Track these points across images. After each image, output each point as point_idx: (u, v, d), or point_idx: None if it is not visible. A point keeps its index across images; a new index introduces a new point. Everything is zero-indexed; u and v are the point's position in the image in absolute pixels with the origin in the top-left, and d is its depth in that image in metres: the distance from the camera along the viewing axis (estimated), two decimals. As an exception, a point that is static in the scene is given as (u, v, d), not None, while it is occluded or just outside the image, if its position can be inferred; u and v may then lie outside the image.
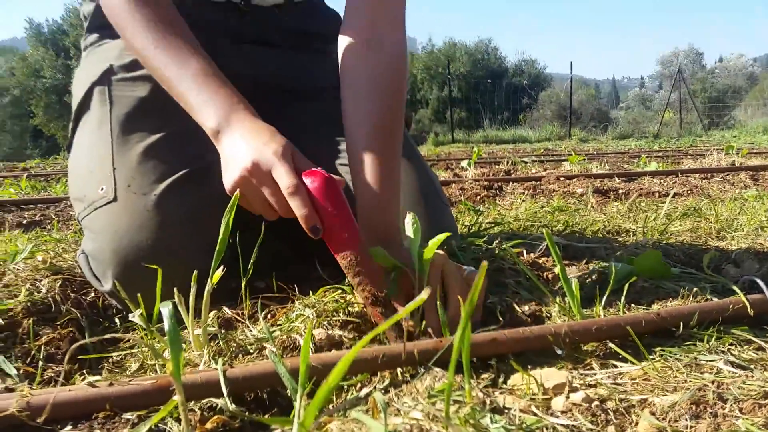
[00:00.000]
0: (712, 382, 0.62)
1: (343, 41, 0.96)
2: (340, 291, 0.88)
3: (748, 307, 0.79)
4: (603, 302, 0.89)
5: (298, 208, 0.76)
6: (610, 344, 0.73)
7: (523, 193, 2.74)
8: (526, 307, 0.90)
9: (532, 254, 1.12)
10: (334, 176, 0.79)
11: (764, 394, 0.59)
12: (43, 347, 0.80)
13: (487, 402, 0.59)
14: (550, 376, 0.64)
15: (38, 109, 20.39)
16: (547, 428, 0.56)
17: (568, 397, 0.60)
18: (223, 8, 1.12)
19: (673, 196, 2.68)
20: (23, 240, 1.48)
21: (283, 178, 0.76)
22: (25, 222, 2.13)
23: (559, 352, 0.71)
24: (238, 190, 0.79)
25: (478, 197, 2.72)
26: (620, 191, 2.72)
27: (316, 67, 1.22)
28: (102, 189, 0.93)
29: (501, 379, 0.66)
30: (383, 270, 0.79)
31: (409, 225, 0.83)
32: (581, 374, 0.67)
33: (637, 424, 0.56)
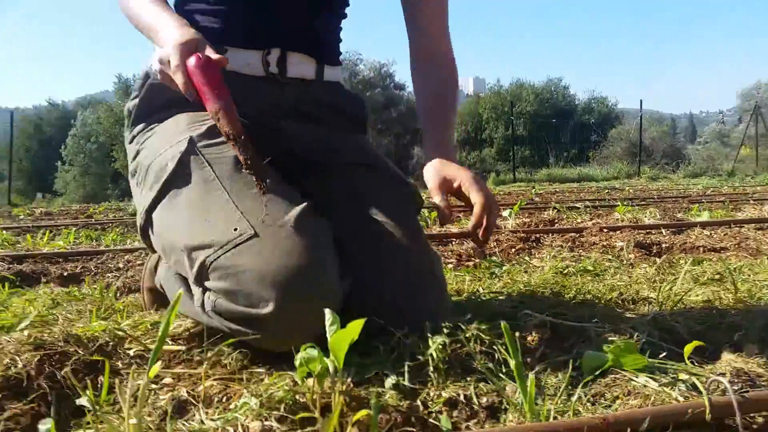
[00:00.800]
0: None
1: (414, 59, 1.41)
2: (290, 378, 0.88)
3: (707, 411, 0.74)
4: (568, 397, 0.85)
5: (179, 82, 1.01)
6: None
7: (561, 246, 2.66)
8: (485, 399, 0.87)
9: (517, 332, 1.08)
10: (213, 57, 1.01)
11: None
12: (4, 422, 0.83)
13: None
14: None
15: (119, 154, 21.91)
16: None
17: None
18: (262, 81, 1.27)
19: (719, 251, 2.55)
20: (45, 299, 1.56)
21: (173, 61, 1.01)
22: (66, 274, 2.24)
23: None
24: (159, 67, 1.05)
25: (513, 250, 2.67)
26: (664, 245, 2.60)
27: (346, 143, 1.34)
28: (236, 230, 1.01)
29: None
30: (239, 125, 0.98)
31: None
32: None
33: None
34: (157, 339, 0.80)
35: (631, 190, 8.41)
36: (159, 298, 1.40)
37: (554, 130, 21.72)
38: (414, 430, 0.78)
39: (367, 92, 17.55)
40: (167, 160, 1.14)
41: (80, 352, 1.02)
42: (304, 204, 1.06)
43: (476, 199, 1.16)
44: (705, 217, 3.33)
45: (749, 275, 1.81)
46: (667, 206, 4.68)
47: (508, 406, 0.85)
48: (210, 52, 1.03)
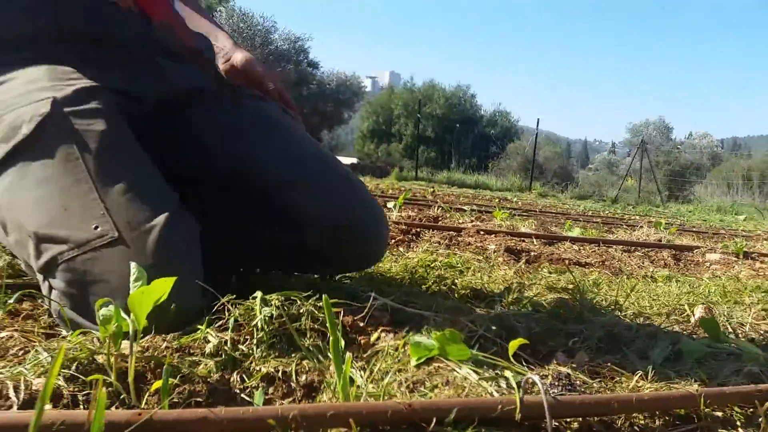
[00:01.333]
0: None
1: None
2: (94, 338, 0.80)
3: (517, 409, 0.74)
4: (387, 381, 0.83)
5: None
6: (340, 434, 0.67)
7: (439, 243, 2.69)
8: (305, 377, 0.84)
9: (351, 316, 1.05)
10: None
11: None
12: None
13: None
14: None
15: None
16: None
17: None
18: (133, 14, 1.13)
19: (584, 265, 2.67)
20: None
21: None
22: None
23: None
24: None
25: (393, 241, 2.66)
26: (533, 253, 2.69)
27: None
28: (97, 228, 0.90)
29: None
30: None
31: None
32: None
33: None
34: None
35: (519, 202, 8.75)
36: None
37: (458, 136, 22.25)
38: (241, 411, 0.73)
39: (279, 67, 17.15)
40: (23, 121, 0.98)
41: None
42: (170, 207, 0.96)
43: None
44: (576, 233, 3.49)
45: (604, 290, 1.89)
46: (546, 219, 4.89)
47: (326, 386, 0.81)
48: None
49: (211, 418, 0.62)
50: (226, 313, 0.91)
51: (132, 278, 0.77)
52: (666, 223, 4.94)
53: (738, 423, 0.89)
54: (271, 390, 0.81)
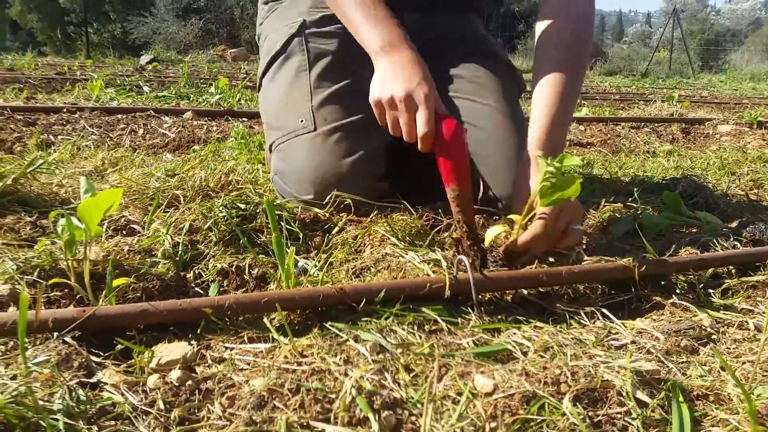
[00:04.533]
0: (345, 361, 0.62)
1: (541, 14, 1.13)
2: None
3: (447, 286, 0.79)
4: (336, 269, 0.89)
5: (423, 146, 0.94)
6: (267, 321, 0.73)
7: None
8: (257, 270, 0.90)
9: (314, 211, 1.10)
10: (462, 131, 0.95)
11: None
12: None
13: (81, 376, 0.59)
14: (172, 351, 0.64)
15: (15, -1, 19.55)
16: (119, 405, 0.56)
17: (165, 376, 0.60)
18: None
19: (585, 146, 2.66)
20: None
21: (423, 122, 0.93)
22: None
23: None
24: (376, 104, 1.00)
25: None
26: (534, 137, 2.68)
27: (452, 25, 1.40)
28: (302, 121, 1.15)
29: (140, 352, 0.66)
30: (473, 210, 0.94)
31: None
32: (208, 348, 0.67)
33: (220, 405, 0.57)
34: None
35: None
36: None
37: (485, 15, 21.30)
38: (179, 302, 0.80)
39: None
40: (279, 38, 1.26)
41: None
42: (363, 114, 1.12)
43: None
44: (584, 113, 3.43)
45: (596, 170, 1.90)
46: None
47: (274, 278, 0.88)
48: (446, 112, 0.98)
49: (150, 310, 0.69)
50: (185, 215, 0.97)
51: (81, 191, 0.82)
52: (679, 96, 4.79)
53: (678, 290, 0.93)
54: (225, 283, 0.88)
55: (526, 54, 17.72)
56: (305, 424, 0.53)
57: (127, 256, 0.89)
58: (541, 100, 1.04)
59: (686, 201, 1.47)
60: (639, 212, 1.26)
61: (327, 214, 1.10)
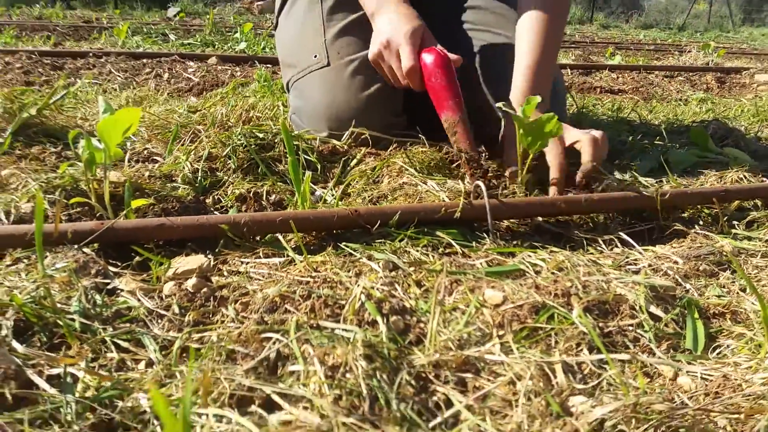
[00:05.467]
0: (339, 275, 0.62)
1: None
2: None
3: (459, 209, 0.78)
4: (354, 196, 0.89)
5: (413, 84, 0.99)
6: (283, 240, 0.73)
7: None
8: (275, 196, 0.90)
9: (333, 143, 1.10)
10: (449, 55, 0.97)
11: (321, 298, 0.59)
12: None
13: (98, 282, 0.61)
14: (189, 262, 0.65)
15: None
16: (134, 309, 0.58)
17: (182, 284, 0.62)
18: None
19: (617, 93, 2.59)
20: None
21: (404, 58, 0.98)
22: None
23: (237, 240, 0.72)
24: (373, 62, 1.05)
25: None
26: (566, 84, 2.63)
27: None
28: (315, 56, 1.15)
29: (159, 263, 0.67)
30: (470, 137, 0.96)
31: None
32: (224, 263, 0.68)
33: (229, 313, 0.58)
34: None
35: (576, 35, 8.29)
36: None
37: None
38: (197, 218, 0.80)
39: None
40: None
41: None
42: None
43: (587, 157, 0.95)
44: (617, 60, 3.33)
45: (625, 113, 1.86)
46: (594, 50, 4.65)
47: (291, 203, 0.88)
48: (440, 47, 1.00)
49: (168, 225, 0.70)
50: (204, 144, 0.98)
51: (101, 110, 0.83)
52: (715, 47, 4.62)
53: (701, 222, 0.91)
54: (243, 208, 0.88)
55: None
56: (315, 325, 0.53)
57: (148, 180, 0.90)
58: (523, 46, 1.05)
59: (717, 143, 1.44)
60: (666, 150, 1.23)
61: (345, 146, 1.10)
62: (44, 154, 1.05)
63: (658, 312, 0.58)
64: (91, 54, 2.50)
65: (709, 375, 0.50)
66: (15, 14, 5.33)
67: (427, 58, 0.97)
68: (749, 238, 0.86)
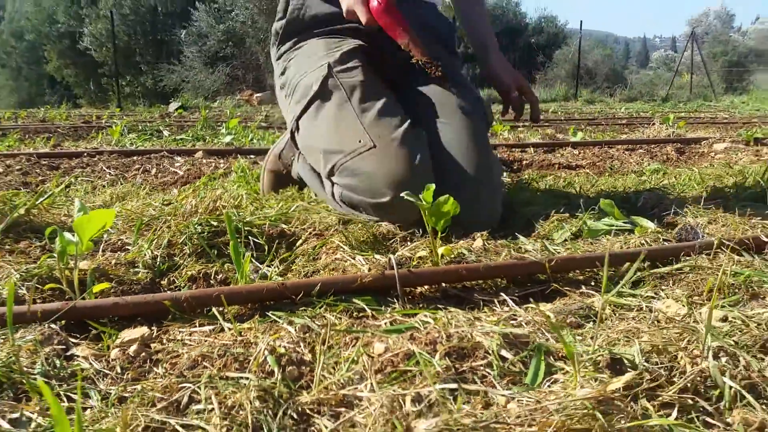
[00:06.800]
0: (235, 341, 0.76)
1: None
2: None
3: (368, 279, 0.93)
4: (293, 273, 1.04)
5: (363, 20, 1.35)
6: (217, 312, 0.88)
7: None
8: (221, 275, 1.05)
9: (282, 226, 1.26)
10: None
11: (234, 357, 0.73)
12: None
13: (58, 349, 0.75)
14: (134, 333, 0.80)
15: (52, 55, 20.52)
16: (85, 370, 0.72)
17: (126, 350, 0.76)
18: None
19: (574, 168, 2.78)
20: None
21: (361, 15, 1.35)
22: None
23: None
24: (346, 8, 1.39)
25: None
26: (525, 162, 2.82)
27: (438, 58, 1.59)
28: (360, 141, 1.34)
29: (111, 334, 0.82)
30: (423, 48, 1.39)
31: None
32: (165, 332, 0.83)
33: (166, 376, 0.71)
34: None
35: (559, 112, 8.65)
36: (277, 181, 1.80)
37: (503, 50, 21.65)
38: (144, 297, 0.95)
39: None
40: (312, 82, 1.46)
41: None
42: (408, 122, 1.36)
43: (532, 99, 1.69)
44: (579, 137, 3.55)
45: (575, 189, 2.02)
46: (567, 127, 4.91)
47: (234, 281, 1.03)
48: None
49: (120, 303, 0.84)
50: (164, 233, 1.14)
51: (76, 210, 0.99)
52: (675, 118, 4.87)
53: (592, 283, 1.05)
54: (193, 287, 1.03)
55: (546, 84, 17.92)
56: (223, 376, 0.67)
57: (114, 267, 1.05)
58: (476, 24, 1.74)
59: (647, 211, 1.60)
60: (583, 222, 1.38)
61: (294, 230, 1.25)
62: (30, 248, 1.21)
63: (508, 355, 0.72)
64: (85, 153, 2.72)
65: (529, 401, 0.63)
66: (21, 117, 5.65)
67: (372, 5, 1.34)
68: (631, 295, 1.00)
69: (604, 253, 1.08)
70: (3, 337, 0.79)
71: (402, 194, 1.18)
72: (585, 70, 18.24)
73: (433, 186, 1.07)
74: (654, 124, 4.34)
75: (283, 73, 1.62)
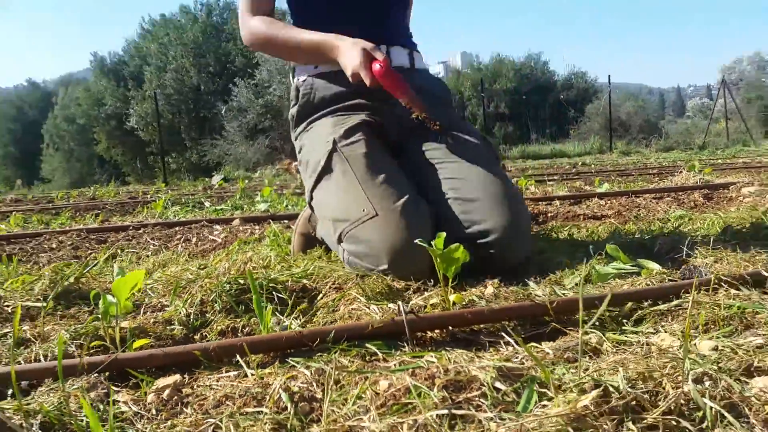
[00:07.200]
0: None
1: None
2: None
3: (378, 325, 1.01)
4: (314, 322, 1.12)
5: (367, 82, 1.51)
6: (242, 361, 0.97)
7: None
8: (248, 329, 1.15)
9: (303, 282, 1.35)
10: (386, 59, 1.52)
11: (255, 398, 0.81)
12: None
13: (102, 395, 0.85)
14: (168, 380, 0.89)
15: (101, 136, 21.69)
16: (125, 413, 0.81)
17: (160, 394, 0.85)
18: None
19: (599, 218, 2.82)
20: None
21: (365, 79, 1.51)
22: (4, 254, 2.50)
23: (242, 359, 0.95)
24: (352, 72, 1.54)
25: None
26: (549, 214, 2.88)
27: (439, 116, 1.72)
28: (363, 210, 1.45)
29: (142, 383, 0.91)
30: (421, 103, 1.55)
31: None
32: (195, 379, 0.92)
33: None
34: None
35: (593, 165, 8.68)
36: (307, 243, 1.90)
37: (534, 107, 21.95)
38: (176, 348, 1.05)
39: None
40: (320, 157, 1.61)
41: None
42: (408, 195, 1.46)
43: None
44: (605, 188, 3.60)
45: (597, 238, 2.07)
46: (601, 178, 4.95)
47: (258, 331, 1.12)
48: (383, 57, 1.52)
49: (156, 354, 0.94)
50: (197, 293, 1.24)
51: (115, 274, 1.11)
52: (704, 164, 4.86)
53: (597, 323, 1.11)
54: (222, 339, 1.12)
55: (581, 138, 17.99)
56: (243, 412, 0.76)
57: (152, 325, 1.16)
58: None
59: (663, 256, 1.64)
60: (591, 266, 1.44)
61: (312, 284, 1.35)
62: (79, 312, 1.33)
63: (502, 386, 0.78)
64: (131, 227, 2.90)
65: (516, 425, 0.69)
66: (73, 196, 5.98)
67: (375, 69, 1.49)
68: (633, 332, 1.05)
69: (600, 294, 1.14)
70: (55, 386, 0.89)
71: (400, 259, 1.31)
72: (618, 122, 18.30)
73: (444, 234, 1.16)
74: (682, 171, 4.36)
75: (300, 152, 1.79)
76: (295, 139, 1.84)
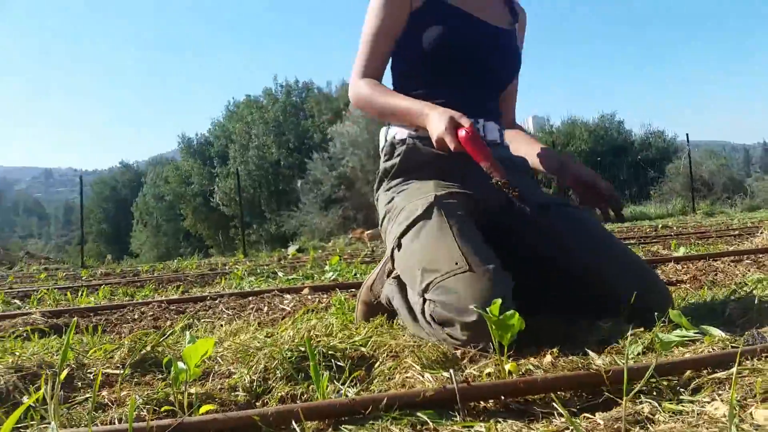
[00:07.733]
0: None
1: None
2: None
3: (430, 394, 1.03)
4: (370, 391, 1.16)
5: (452, 147, 1.56)
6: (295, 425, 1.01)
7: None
8: (306, 396, 1.19)
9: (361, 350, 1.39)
10: (472, 125, 1.57)
11: None
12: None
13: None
14: (227, 443, 0.94)
15: (188, 212, 22.89)
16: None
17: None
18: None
19: (675, 284, 2.73)
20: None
21: (450, 144, 1.56)
22: (91, 326, 2.67)
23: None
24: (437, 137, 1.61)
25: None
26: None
27: (530, 188, 1.86)
28: (456, 263, 1.49)
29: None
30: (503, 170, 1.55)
31: None
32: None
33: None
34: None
35: (674, 227, 8.39)
36: (369, 311, 1.92)
37: (611, 168, 21.54)
38: (237, 413, 1.10)
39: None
40: (418, 206, 1.67)
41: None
42: (499, 263, 1.50)
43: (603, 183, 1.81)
44: (682, 252, 3.48)
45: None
46: (680, 241, 4.79)
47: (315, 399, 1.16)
48: (469, 124, 1.58)
49: (219, 418, 1.00)
50: (260, 360, 1.30)
51: (186, 342, 1.19)
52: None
53: (654, 393, 1.09)
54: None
55: (662, 200, 17.43)
56: (293, 475, 0.79)
57: (218, 391, 1.22)
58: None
59: (733, 322, 1.59)
60: (654, 334, 1.41)
61: (376, 352, 1.38)
62: (153, 380, 1.42)
63: (545, 455, 0.79)
64: (208, 297, 3.04)
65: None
66: (158, 269, 6.31)
67: (461, 135, 1.54)
68: (690, 402, 1.03)
69: (662, 362, 1.12)
70: (125, 449, 0.96)
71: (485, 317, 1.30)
72: (701, 181, 17.66)
73: (499, 300, 1.20)
74: (763, 232, 4.16)
75: (389, 202, 1.84)
76: (386, 191, 1.91)
